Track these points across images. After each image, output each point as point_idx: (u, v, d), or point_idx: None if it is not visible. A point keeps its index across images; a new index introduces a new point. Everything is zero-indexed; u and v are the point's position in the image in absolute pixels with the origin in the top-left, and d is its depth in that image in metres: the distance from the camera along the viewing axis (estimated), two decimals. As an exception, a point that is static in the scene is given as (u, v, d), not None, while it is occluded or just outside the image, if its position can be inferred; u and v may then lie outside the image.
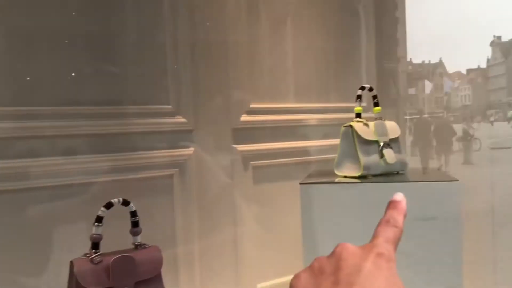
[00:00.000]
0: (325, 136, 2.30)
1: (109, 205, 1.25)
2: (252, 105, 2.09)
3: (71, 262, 1.20)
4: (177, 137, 1.90)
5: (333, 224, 1.61)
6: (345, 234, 1.60)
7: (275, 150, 2.14)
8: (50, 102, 1.62)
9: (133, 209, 1.31)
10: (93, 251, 1.22)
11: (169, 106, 1.88)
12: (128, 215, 1.31)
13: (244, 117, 2.06)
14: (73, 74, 1.68)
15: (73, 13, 1.68)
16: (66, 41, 1.66)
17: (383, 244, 0.42)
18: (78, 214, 1.65)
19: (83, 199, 1.67)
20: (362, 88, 1.76)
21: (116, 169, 1.74)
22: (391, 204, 0.47)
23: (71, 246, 1.59)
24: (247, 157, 2.06)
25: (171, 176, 1.88)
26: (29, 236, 1.58)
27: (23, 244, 1.57)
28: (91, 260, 1.19)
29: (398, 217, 0.45)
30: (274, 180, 2.14)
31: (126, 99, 1.79)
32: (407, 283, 1.43)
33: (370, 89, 1.79)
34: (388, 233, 0.43)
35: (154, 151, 1.83)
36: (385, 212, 0.47)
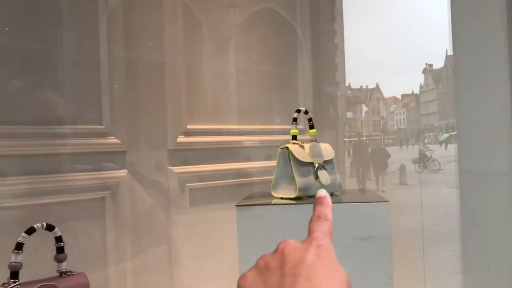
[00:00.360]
0: (266, 158, 2.31)
1: (31, 231, 1.18)
2: (189, 126, 2.06)
3: (-14, 293, 1.11)
4: (110, 159, 1.84)
5: (270, 245, 1.60)
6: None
7: (213, 172, 2.12)
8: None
9: (58, 234, 1.24)
10: (12, 280, 1.14)
11: (102, 126, 1.82)
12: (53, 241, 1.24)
13: (181, 138, 2.03)
14: (2, 90, 1.59)
15: (6, 28, 1.60)
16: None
17: (321, 237, 0.45)
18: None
19: (5, 224, 1.56)
20: (298, 111, 1.79)
21: (44, 192, 1.66)
22: (318, 201, 0.51)
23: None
24: (184, 179, 2.03)
25: (102, 199, 1.81)
26: None
27: None
28: (7, 290, 1.12)
29: (327, 211, 0.49)
30: (211, 202, 2.11)
31: (57, 118, 1.72)
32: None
33: (306, 112, 1.82)
34: (322, 227, 0.47)
35: (85, 173, 1.76)
36: (314, 209, 0.50)
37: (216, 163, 2.14)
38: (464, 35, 2.08)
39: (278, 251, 0.45)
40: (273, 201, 1.70)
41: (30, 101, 1.66)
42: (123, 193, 1.85)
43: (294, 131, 1.76)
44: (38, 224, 1.20)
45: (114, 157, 1.85)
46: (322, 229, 0.47)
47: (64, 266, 1.25)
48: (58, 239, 1.25)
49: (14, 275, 1.15)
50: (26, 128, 1.64)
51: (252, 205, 1.65)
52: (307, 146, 1.75)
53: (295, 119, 1.78)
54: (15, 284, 1.13)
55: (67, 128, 1.74)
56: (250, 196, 1.87)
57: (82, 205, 1.74)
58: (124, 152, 1.87)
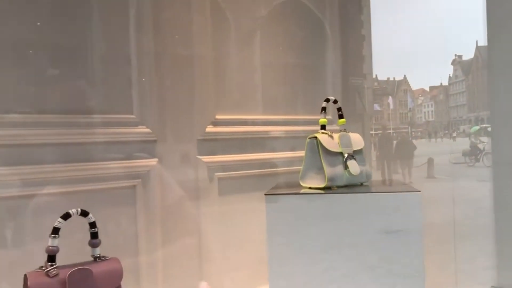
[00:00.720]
0: (292, 148, 2.30)
1: (66, 216, 1.21)
2: (218, 116, 2.08)
3: (25, 275, 1.14)
4: (141, 148, 1.87)
5: (298, 235, 1.61)
6: (309, 245, 1.60)
7: (241, 161, 2.13)
8: (11, 110, 1.57)
9: (92, 220, 1.27)
10: (49, 263, 1.17)
11: (133, 116, 1.85)
12: (87, 227, 1.27)
13: (210, 128, 2.05)
14: (37, 82, 1.63)
15: (38, 23, 1.64)
16: (30, 51, 1.62)
17: None
18: (36, 225, 1.60)
19: (42, 210, 1.61)
20: (327, 100, 1.78)
21: (77, 179, 1.70)
22: None
23: (26, 258, 1.53)
24: (212, 168, 2.04)
25: (133, 187, 1.84)
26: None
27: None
28: (47, 273, 1.15)
29: None
30: (239, 191, 2.12)
31: (90, 108, 1.75)
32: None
33: (335, 101, 1.81)
34: None
35: (117, 162, 1.80)
36: None
37: (243, 153, 2.15)
38: (500, 25, 2.03)
39: None
40: (302, 191, 1.70)
41: (65, 92, 1.70)
42: (154, 182, 1.88)
43: (323, 120, 1.75)
44: (73, 210, 1.23)
45: (145, 146, 1.88)
46: None
47: (98, 251, 1.28)
48: (92, 224, 1.27)
49: (51, 258, 1.18)
50: (63, 118, 1.69)
51: (281, 194, 1.65)
52: (336, 135, 1.74)
53: (324, 109, 1.76)
54: (52, 267, 1.16)
55: (99, 118, 1.77)
56: (277, 186, 1.88)
57: (114, 193, 1.78)
58: (154, 141, 1.90)
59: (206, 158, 2.03)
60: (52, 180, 1.64)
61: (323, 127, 1.74)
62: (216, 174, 2.05)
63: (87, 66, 1.76)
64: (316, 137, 1.70)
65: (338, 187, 1.69)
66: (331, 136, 1.72)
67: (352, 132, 1.79)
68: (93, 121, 1.76)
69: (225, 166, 2.09)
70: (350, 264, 1.58)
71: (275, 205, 1.62)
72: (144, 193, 1.86)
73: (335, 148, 1.70)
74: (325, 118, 1.75)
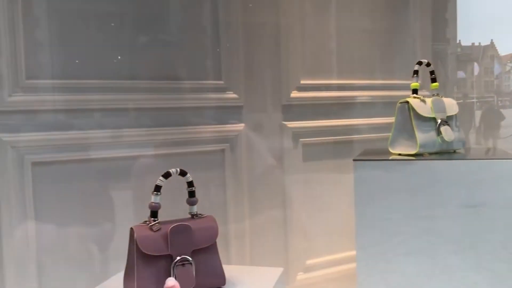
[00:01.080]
0: (379, 114, 2.24)
1: (167, 175, 1.26)
2: (303, 81, 2.06)
3: (132, 228, 1.22)
4: (228, 113, 1.91)
5: (387, 202, 1.58)
6: (399, 213, 1.57)
7: (326, 127, 2.11)
8: (108, 76, 1.66)
9: (190, 179, 1.32)
10: (152, 219, 1.24)
11: (221, 82, 1.88)
12: (182, 187, 1.32)
13: (295, 94, 2.04)
14: (127, 49, 1.70)
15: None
16: (115, 21, 1.69)
17: None
18: (134, 185, 1.70)
19: (138, 171, 1.71)
20: (420, 63, 1.71)
21: (168, 143, 1.77)
22: None
23: (130, 213, 1.65)
24: (297, 134, 2.04)
25: (222, 151, 1.89)
26: (90, 203, 1.63)
27: (85, 212, 1.63)
28: (150, 228, 1.21)
29: None
30: (324, 158, 2.11)
31: (179, 74, 1.81)
32: (455, 269, 1.39)
33: (428, 64, 1.73)
34: None
35: (205, 126, 1.85)
36: None
37: (328, 119, 2.13)
38: None
39: None
40: (391, 157, 1.66)
41: (158, 60, 1.76)
42: (240, 146, 1.92)
43: (414, 84, 1.68)
44: (173, 170, 1.28)
45: (233, 111, 1.91)
46: None
47: (195, 209, 1.33)
48: (190, 184, 1.32)
49: (154, 214, 1.24)
50: (156, 84, 1.75)
51: (370, 160, 1.62)
52: (428, 100, 1.67)
53: (416, 72, 1.70)
54: (155, 222, 1.23)
55: (189, 84, 1.82)
56: (365, 153, 1.84)
57: (204, 156, 1.84)
58: (241, 106, 1.93)
59: (291, 124, 2.03)
60: (149, 143, 1.73)
61: (415, 91, 1.68)
62: (301, 140, 2.06)
63: (179, 35, 1.81)
64: (407, 102, 1.64)
65: (430, 153, 1.64)
66: (424, 101, 1.66)
67: (445, 97, 1.71)
68: (183, 87, 1.81)
69: (310, 132, 2.08)
70: (442, 235, 1.54)
71: (363, 171, 1.60)
72: (232, 157, 1.91)
73: (428, 113, 1.64)
74: (417, 82, 1.68)
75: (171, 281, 0.49)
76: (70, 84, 1.60)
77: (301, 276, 2.08)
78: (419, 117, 1.63)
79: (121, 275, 1.29)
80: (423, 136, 1.62)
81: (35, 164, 1.55)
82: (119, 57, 1.70)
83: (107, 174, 1.67)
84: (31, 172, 1.54)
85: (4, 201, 1.51)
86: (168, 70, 1.79)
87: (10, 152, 1.51)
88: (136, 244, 1.18)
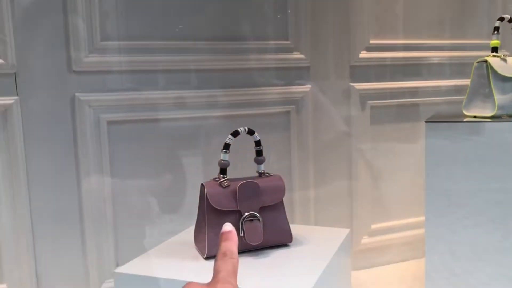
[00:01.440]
0: (451, 76, 2.14)
1: (235, 133, 1.28)
2: (372, 41, 1.99)
3: (202, 184, 1.26)
4: (294, 74, 1.89)
5: (460, 167, 1.52)
6: (470, 182, 1.50)
7: (395, 89, 2.04)
8: (174, 37, 1.69)
9: (258, 138, 1.33)
10: (221, 176, 1.27)
11: (288, 42, 1.86)
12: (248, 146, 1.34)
13: (364, 54, 1.98)
14: (197, 10, 1.71)
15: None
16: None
17: (226, 278, 0.43)
18: (200, 145, 1.74)
19: (205, 131, 1.75)
20: (501, 19, 1.60)
21: (234, 104, 1.79)
22: (223, 236, 0.49)
23: (198, 172, 1.70)
24: (365, 96, 1.99)
25: (287, 113, 1.88)
26: (160, 161, 1.70)
27: (156, 169, 1.70)
28: (220, 184, 1.25)
29: (233, 248, 0.47)
30: (392, 121, 2.05)
31: (244, 34, 1.80)
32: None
33: (510, 20, 1.62)
34: (228, 266, 0.45)
35: (271, 87, 1.84)
36: (219, 244, 0.48)
37: (399, 81, 2.05)
38: None
39: None
40: (465, 119, 1.58)
41: (224, 20, 1.76)
42: (306, 108, 1.90)
43: (494, 42, 1.58)
44: (241, 128, 1.29)
45: (299, 72, 1.89)
46: (227, 269, 0.44)
47: (262, 167, 1.35)
48: (258, 143, 1.34)
49: (223, 171, 1.28)
50: (219, 44, 1.76)
51: (444, 122, 1.55)
52: (510, 59, 1.56)
53: (496, 29, 1.59)
54: (224, 179, 1.26)
55: (255, 44, 1.82)
56: (436, 116, 1.77)
57: (269, 118, 1.85)
58: (308, 67, 1.90)
59: (359, 85, 1.98)
60: (214, 105, 1.76)
61: (494, 49, 1.58)
62: (369, 102, 2.00)
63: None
64: (486, 61, 1.55)
65: (510, 116, 1.54)
66: (504, 60, 1.55)
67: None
68: (248, 48, 1.81)
69: (378, 94, 2.02)
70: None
71: (436, 134, 1.54)
72: (298, 119, 1.90)
73: (509, 73, 1.54)
74: (497, 39, 1.58)
75: (228, 225, 0.50)
76: (142, 45, 1.65)
77: (365, 239, 2.07)
78: (499, 77, 1.53)
79: (191, 230, 1.34)
80: (502, 97, 1.53)
81: (110, 122, 1.63)
82: (183, 17, 1.71)
83: (175, 134, 1.72)
84: (107, 131, 1.62)
85: (83, 157, 1.60)
86: (234, 30, 1.78)
87: (88, 111, 1.59)
88: (207, 199, 1.22)
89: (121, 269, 1.21)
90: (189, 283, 0.42)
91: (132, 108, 1.65)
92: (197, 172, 1.74)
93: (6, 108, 1.50)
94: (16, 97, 1.51)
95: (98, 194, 1.63)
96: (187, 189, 1.73)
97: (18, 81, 1.51)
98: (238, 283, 0.45)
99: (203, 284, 0.42)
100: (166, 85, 1.70)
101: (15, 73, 1.50)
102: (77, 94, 1.58)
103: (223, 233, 0.49)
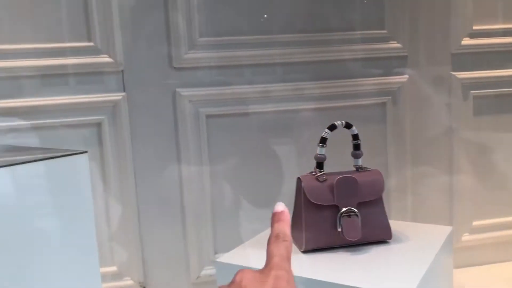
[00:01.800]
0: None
1: (332, 127, 1.27)
2: (475, 27, 1.86)
3: (299, 178, 1.27)
4: (391, 64, 1.82)
5: None
6: None
7: (501, 78, 1.90)
8: (263, 31, 1.71)
9: (355, 132, 1.31)
10: (318, 170, 1.27)
11: (384, 31, 1.79)
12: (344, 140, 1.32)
13: (466, 41, 1.85)
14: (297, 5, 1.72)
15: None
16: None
17: (280, 264, 0.41)
18: (293, 138, 1.75)
19: (296, 124, 1.75)
20: None
21: (328, 96, 1.77)
22: (275, 217, 0.46)
23: (291, 165, 1.71)
24: (467, 85, 1.87)
25: (383, 105, 1.83)
26: (255, 154, 1.74)
27: (251, 161, 1.75)
28: (317, 178, 1.25)
29: (285, 229, 0.44)
30: (498, 112, 1.91)
31: (338, 25, 1.77)
32: None
33: None
34: (281, 250, 0.42)
35: (367, 78, 1.80)
36: (272, 226, 0.45)
37: (505, 68, 1.90)
38: None
39: (235, 284, 0.39)
40: None
41: (316, 11, 1.74)
42: (404, 99, 1.83)
43: None
44: (338, 122, 1.28)
45: (395, 62, 1.82)
46: (281, 253, 0.42)
47: (360, 162, 1.33)
48: (355, 136, 1.32)
49: (319, 165, 1.27)
50: (312, 36, 1.75)
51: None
52: None
53: None
54: (321, 173, 1.26)
55: (349, 35, 1.78)
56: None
57: (363, 110, 1.80)
58: (405, 56, 1.82)
59: (461, 74, 1.86)
60: (307, 97, 1.75)
61: None
62: (472, 92, 1.88)
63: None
64: None
65: None
66: None
67: None
68: (344, 38, 1.78)
69: (483, 83, 1.89)
70: None
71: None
72: (394, 111, 1.83)
73: None
74: None
75: (280, 205, 0.49)
76: (232, 40, 1.68)
77: (466, 237, 1.96)
78: None
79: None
80: None
81: (208, 116, 1.69)
82: (274, 11, 1.71)
83: (267, 126, 1.74)
84: (206, 124, 1.69)
85: (184, 149, 1.68)
86: (327, 20, 1.76)
87: (188, 106, 1.66)
88: (304, 193, 1.23)
89: (222, 259, 1.27)
90: (242, 270, 0.41)
91: (228, 102, 1.70)
92: (290, 164, 1.76)
93: (115, 104, 1.61)
94: (123, 93, 1.62)
95: (198, 185, 1.70)
96: (280, 181, 1.75)
97: (125, 78, 1.62)
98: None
99: (256, 271, 0.41)
100: (258, 78, 1.72)
101: (122, 70, 1.61)
102: (177, 89, 1.65)
103: (275, 214, 0.46)
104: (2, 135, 1.48)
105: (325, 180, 1.24)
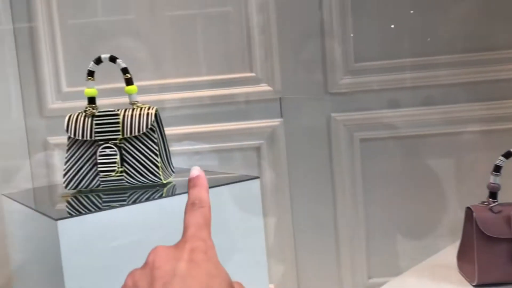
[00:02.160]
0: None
1: (508, 154, 1.20)
2: None
3: (469, 208, 1.21)
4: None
5: None
6: None
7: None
8: (412, 53, 1.67)
9: None
10: (491, 200, 1.20)
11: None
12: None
13: None
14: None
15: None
16: None
17: (196, 234, 0.37)
18: (453, 162, 1.68)
19: (458, 147, 1.68)
20: None
21: (488, 119, 1.67)
22: (191, 183, 0.41)
23: (452, 190, 1.64)
24: None
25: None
26: (411, 178, 1.70)
27: (407, 186, 1.71)
28: (490, 209, 1.18)
29: (202, 195, 0.40)
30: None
31: (494, 44, 1.66)
32: None
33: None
34: (197, 218, 0.38)
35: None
36: (188, 193, 0.41)
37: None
38: None
39: (148, 265, 0.36)
40: None
41: (467, 32, 1.66)
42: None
43: None
44: (511, 152, 1.20)
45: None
46: (197, 222, 0.38)
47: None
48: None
49: (493, 195, 1.21)
50: (469, 56, 1.67)
51: None
52: None
53: None
54: (495, 204, 1.19)
55: (505, 53, 1.67)
56: None
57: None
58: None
59: None
60: (469, 119, 1.67)
61: None
62: None
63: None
64: None
65: None
66: None
67: None
68: (499, 57, 1.67)
69: None
70: None
71: None
72: None
73: None
74: None
75: (195, 169, 0.44)
76: (391, 63, 1.68)
77: None
78: None
79: (449, 251, 1.31)
80: None
81: (362, 140, 1.70)
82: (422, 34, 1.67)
83: (424, 151, 1.69)
84: (359, 148, 1.70)
85: (338, 173, 1.71)
86: (493, 38, 1.67)
87: (342, 130, 1.70)
88: (476, 225, 1.17)
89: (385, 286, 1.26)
90: (155, 248, 0.37)
91: (382, 125, 1.69)
92: (450, 191, 1.68)
93: (273, 129, 1.70)
94: (280, 119, 1.70)
95: (352, 208, 1.72)
96: (438, 208, 1.69)
97: (282, 104, 1.70)
98: None
99: (171, 246, 0.37)
100: (412, 102, 1.69)
101: (280, 98, 1.70)
102: (332, 114, 1.69)
103: (190, 179, 0.42)
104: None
105: (499, 212, 1.18)
